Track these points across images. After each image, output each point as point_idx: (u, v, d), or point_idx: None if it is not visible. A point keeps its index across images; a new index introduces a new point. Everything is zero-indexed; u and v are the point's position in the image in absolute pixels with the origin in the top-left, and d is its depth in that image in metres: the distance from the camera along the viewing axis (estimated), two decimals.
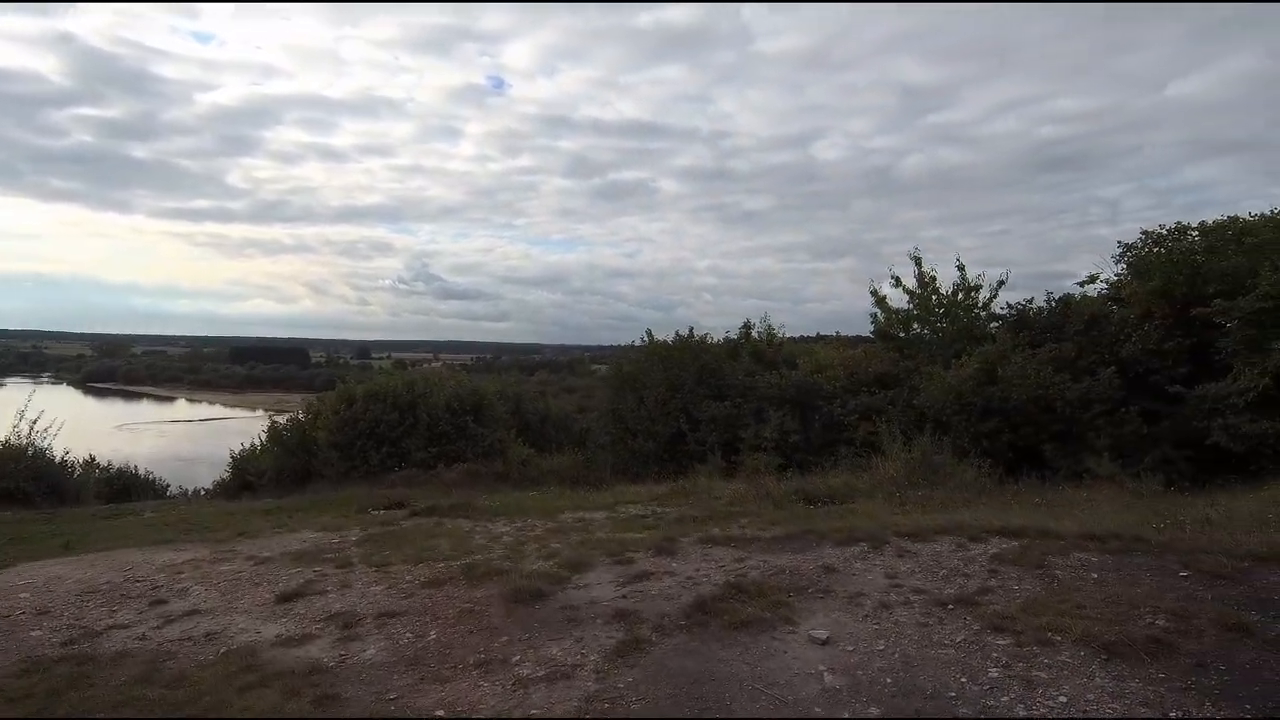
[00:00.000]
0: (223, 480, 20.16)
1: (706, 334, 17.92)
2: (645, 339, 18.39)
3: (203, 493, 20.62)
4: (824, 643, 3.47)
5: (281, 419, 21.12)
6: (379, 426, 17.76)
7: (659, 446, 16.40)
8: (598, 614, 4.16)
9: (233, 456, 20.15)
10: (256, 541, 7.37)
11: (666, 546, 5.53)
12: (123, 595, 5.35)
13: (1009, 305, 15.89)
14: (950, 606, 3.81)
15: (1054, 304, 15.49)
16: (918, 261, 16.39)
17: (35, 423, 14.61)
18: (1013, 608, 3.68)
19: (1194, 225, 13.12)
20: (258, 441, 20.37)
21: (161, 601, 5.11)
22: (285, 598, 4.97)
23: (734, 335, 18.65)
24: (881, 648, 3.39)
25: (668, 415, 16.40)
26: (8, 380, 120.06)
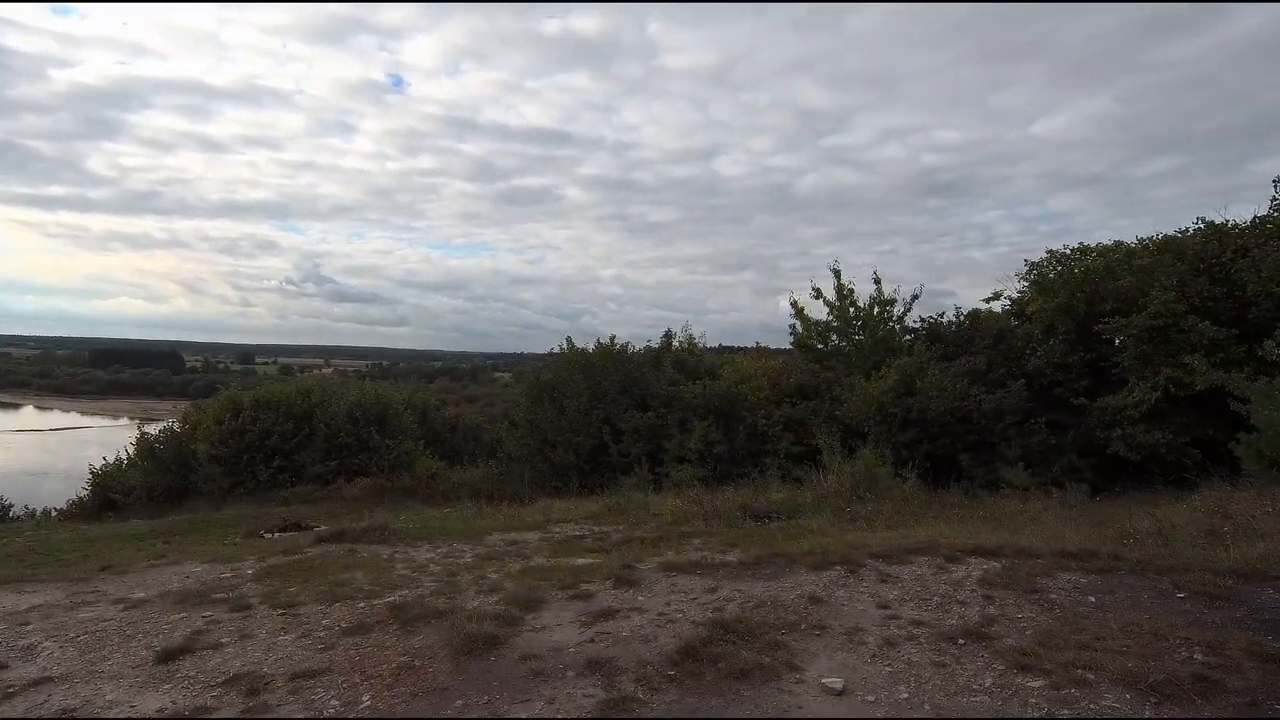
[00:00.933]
0: (80, 499, 17.77)
1: (628, 342, 17.52)
2: (565, 346, 17.73)
3: (54, 514, 18.08)
4: (840, 693, 3.05)
5: (153, 429, 18.87)
6: (269, 438, 16.18)
7: (580, 459, 15.79)
8: (566, 665, 3.56)
9: (93, 471, 17.81)
10: (126, 578, 6.21)
11: (625, 576, 4.98)
12: None
13: (922, 319, 16.44)
14: (961, 641, 3.49)
15: (962, 319, 16.14)
16: (837, 274, 16.67)
17: None
18: (1028, 641, 3.40)
19: (1093, 246, 13.98)
20: (124, 454, 18.10)
21: (2, 666, 4.04)
22: (168, 655, 4.04)
23: (655, 344, 18.35)
24: (905, 697, 3.00)
25: (589, 426, 15.82)
26: None
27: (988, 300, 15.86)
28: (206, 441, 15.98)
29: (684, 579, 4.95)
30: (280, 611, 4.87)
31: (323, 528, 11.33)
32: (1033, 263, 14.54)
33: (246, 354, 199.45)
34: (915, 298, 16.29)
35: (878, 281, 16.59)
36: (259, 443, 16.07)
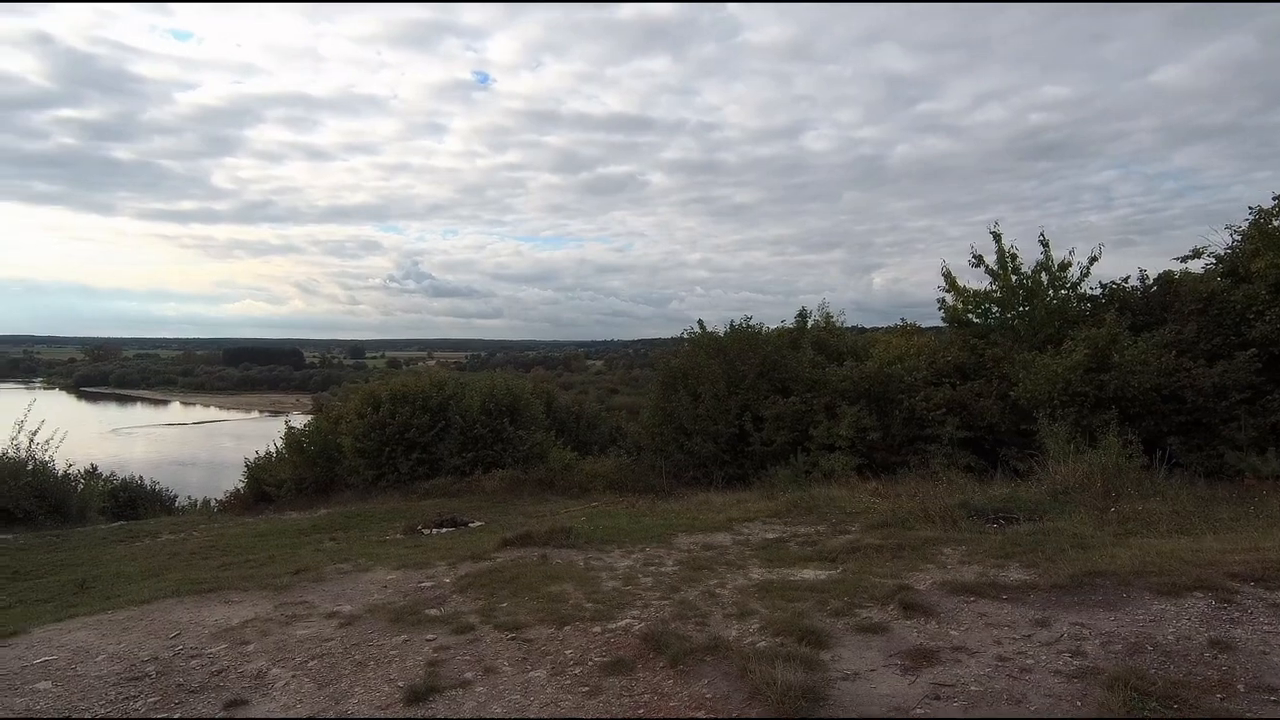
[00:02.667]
0: (238, 491, 18.63)
1: (761, 324, 16.55)
2: (694, 330, 16.98)
3: (214, 505, 19.12)
4: None
5: (298, 423, 19.57)
6: (409, 431, 16.27)
7: (719, 448, 15.00)
8: None
9: (248, 465, 18.61)
10: (324, 586, 5.91)
11: (912, 601, 4.12)
12: (179, 686, 3.90)
13: (1102, 284, 14.57)
14: None
15: (1149, 283, 14.21)
16: (997, 237, 14.97)
17: (35, 434, 13.10)
18: None
19: None
20: (273, 448, 18.85)
21: (240, 701, 3.66)
22: (415, 695, 3.53)
23: (789, 324, 17.28)
24: None
25: (728, 413, 14.98)
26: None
27: (1184, 259, 13.80)
28: (351, 435, 16.26)
29: (989, 606, 4.03)
30: (509, 636, 4.32)
31: (477, 523, 11.12)
32: (1261, 209, 12.43)
33: (357, 349, 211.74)
34: (1094, 260, 14.38)
35: (1045, 244, 14.79)
36: (399, 435, 16.21)
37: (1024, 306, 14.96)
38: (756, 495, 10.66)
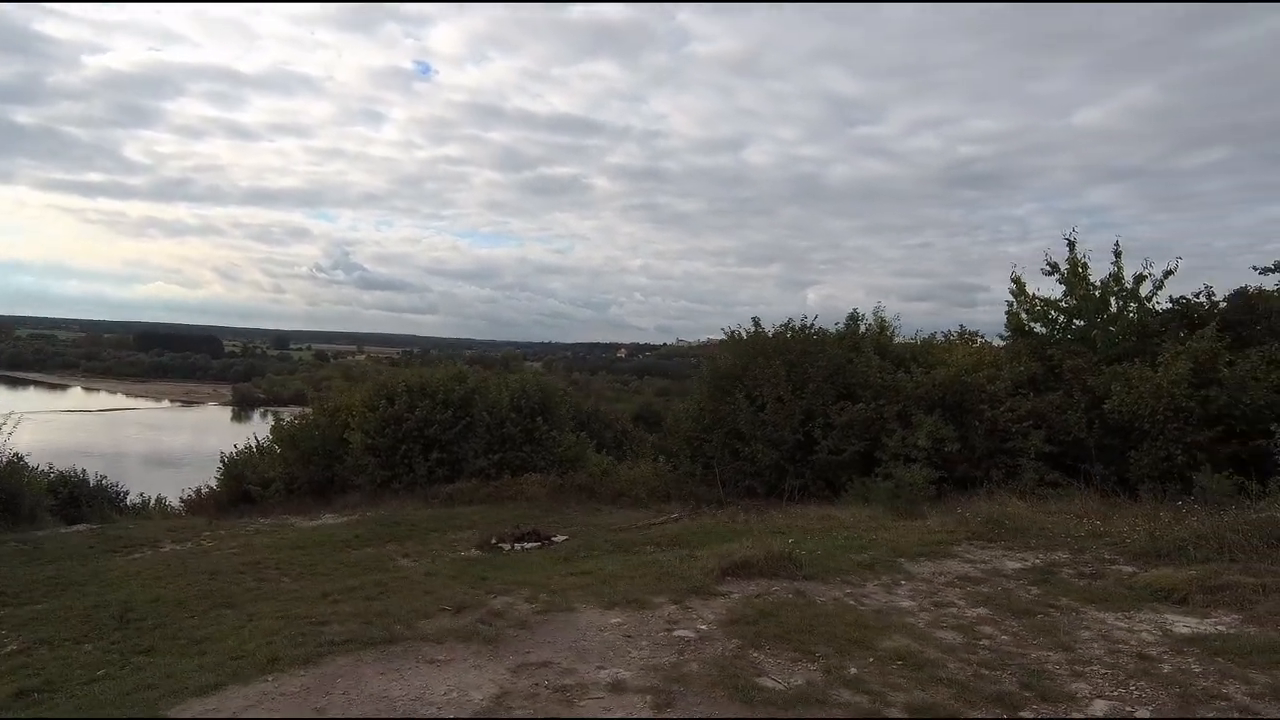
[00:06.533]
0: (210, 489, 16.21)
1: (819, 325, 15.54)
2: (740, 329, 15.77)
3: (178, 505, 16.63)
4: None
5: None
6: (429, 428, 14.41)
7: (782, 456, 13.83)
8: None
9: (224, 460, 16.23)
10: (540, 636, 4.34)
11: None
12: None
13: (1172, 299, 14.24)
14: None
15: (1215, 299, 13.99)
16: (1071, 245, 14.41)
17: None
18: None
19: None
20: (254, 441, 16.55)
21: None
22: None
23: (840, 328, 16.32)
24: None
25: (792, 419, 13.83)
26: None
27: (1263, 272, 13.55)
28: (361, 430, 14.26)
29: None
30: None
31: (560, 537, 9.57)
32: None
33: (281, 339, 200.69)
34: (1169, 273, 13.96)
35: (1118, 254, 14.32)
36: (417, 432, 14.34)
37: (1097, 317, 14.48)
38: (879, 511, 9.55)
